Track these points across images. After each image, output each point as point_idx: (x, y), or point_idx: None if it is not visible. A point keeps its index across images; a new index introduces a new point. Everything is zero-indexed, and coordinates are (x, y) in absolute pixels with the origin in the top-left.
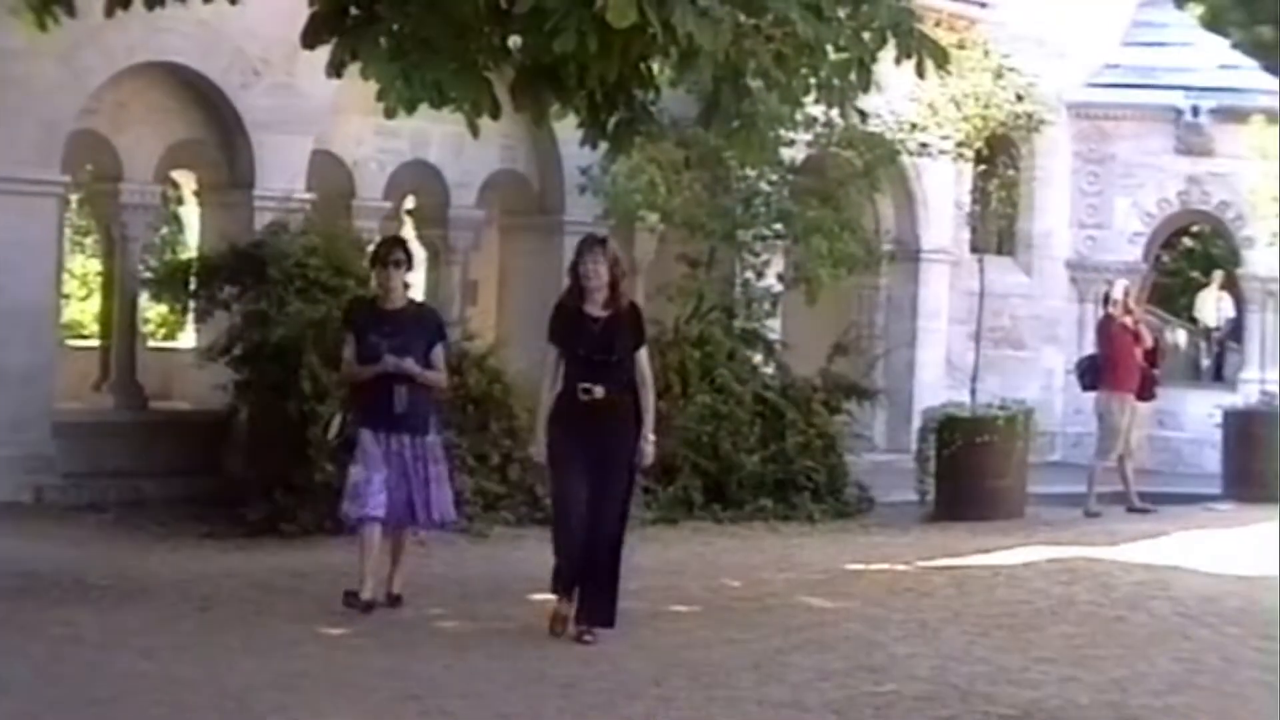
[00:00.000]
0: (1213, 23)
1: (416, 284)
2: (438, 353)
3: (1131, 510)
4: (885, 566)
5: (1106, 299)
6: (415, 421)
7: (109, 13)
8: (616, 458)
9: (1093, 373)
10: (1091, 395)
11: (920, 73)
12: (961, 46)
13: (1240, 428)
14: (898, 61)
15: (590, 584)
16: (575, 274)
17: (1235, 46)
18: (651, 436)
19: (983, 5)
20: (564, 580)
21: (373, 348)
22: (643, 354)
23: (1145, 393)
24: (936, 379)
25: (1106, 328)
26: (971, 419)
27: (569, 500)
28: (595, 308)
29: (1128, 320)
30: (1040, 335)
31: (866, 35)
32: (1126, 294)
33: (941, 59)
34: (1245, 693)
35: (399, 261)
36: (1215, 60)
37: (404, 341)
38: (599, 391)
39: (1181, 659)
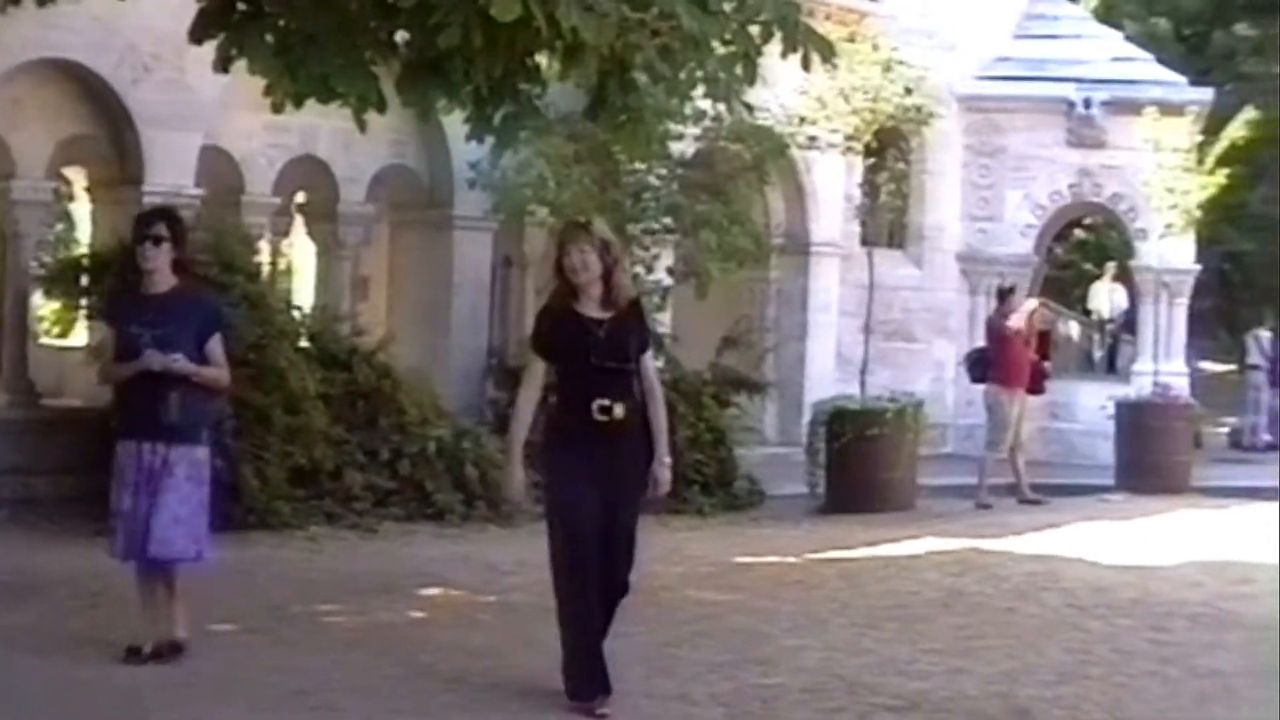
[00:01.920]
0: (1106, 15)
1: (308, 279)
2: (214, 344)
3: (1023, 502)
4: (775, 559)
5: (1000, 295)
6: (186, 431)
7: (0, 9)
8: (633, 491)
9: (982, 365)
10: (981, 387)
11: (806, 66)
12: (851, 40)
13: (1133, 419)
14: (784, 55)
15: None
16: (560, 270)
17: (1129, 39)
18: (668, 459)
19: None
20: (584, 670)
21: (132, 340)
22: (649, 359)
23: (1035, 385)
24: (827, 372)
25: (999, 323)
26: (862, 411)
27: (586, 554)
28: (593, 307)
29: (1022, 326)
30: (931, 328)
31: (753, 29)
32: (1031, 315)
33: (827, 52)
34: (1137, 684)
35: (158, 237)
36: (1108, 53)
37: (170, 332)
38: (620, 410)
39: (1072, 650)
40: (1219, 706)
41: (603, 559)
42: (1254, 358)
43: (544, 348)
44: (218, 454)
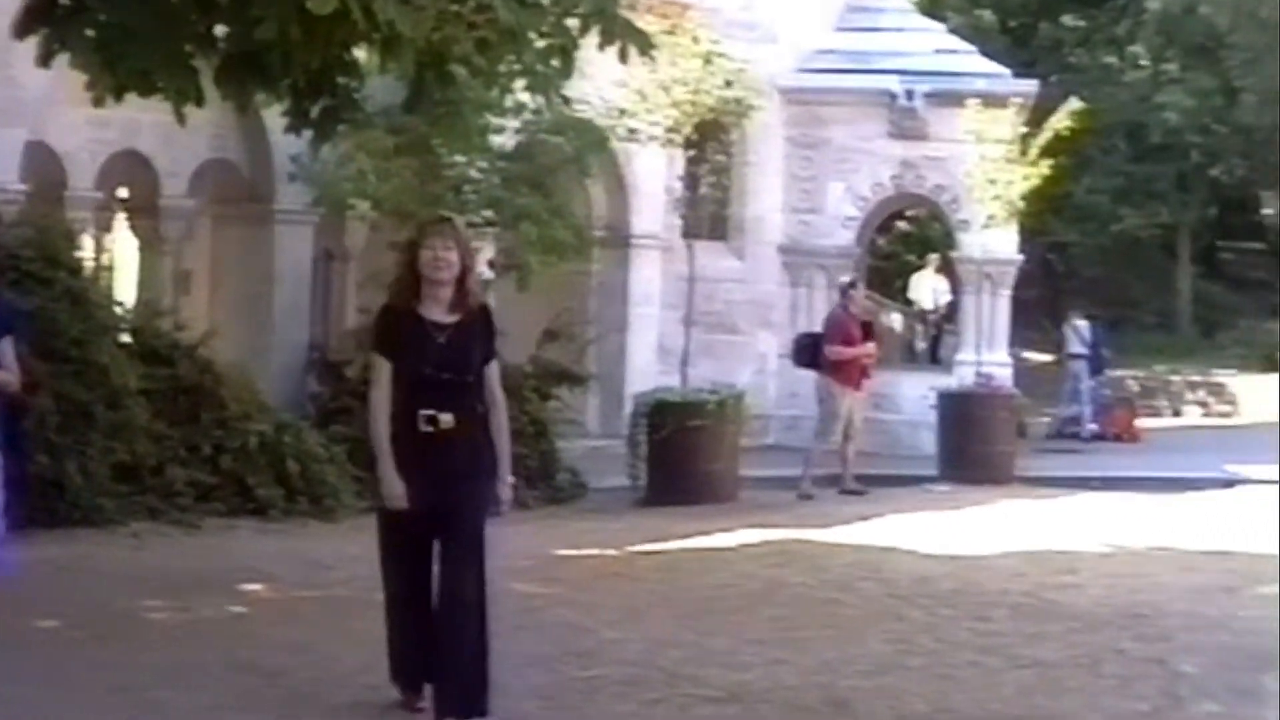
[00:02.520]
0: (931, 7)
1: (130, 274)
2: (5, 347)
3: (844, 492)
4: (595, 552)
5: (842, 289)
6: None
7: None
8: (471, 505)
9: (810, 350)
10: (805, 376)
11: (623, 59)
12: (672, 33)
13: (955, 409)
14: (601, 48)
15: (450, 668)
16: (412, 265)
17: (953, 31)
18: (510, 478)
19: None
20: (407, 672)
21: None
22: (494, 370)
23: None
24: (648, 364)
25: (840, 317)
26: (683, 403)
27: (410, 565)
28: (439, 310)
29: (858, 312)
30: (753, 320)
31: (570, 22)
32: (866, 296)
33: (645, 45)
34: (958, 674)
35: None
36: (931, 45)
37: None
38: (447, 420)
39: (893, 641)
40: (1042, 696)
41: (443, 572)
42: (1074, 347)
43: (384, 347)
44: (21, 453)
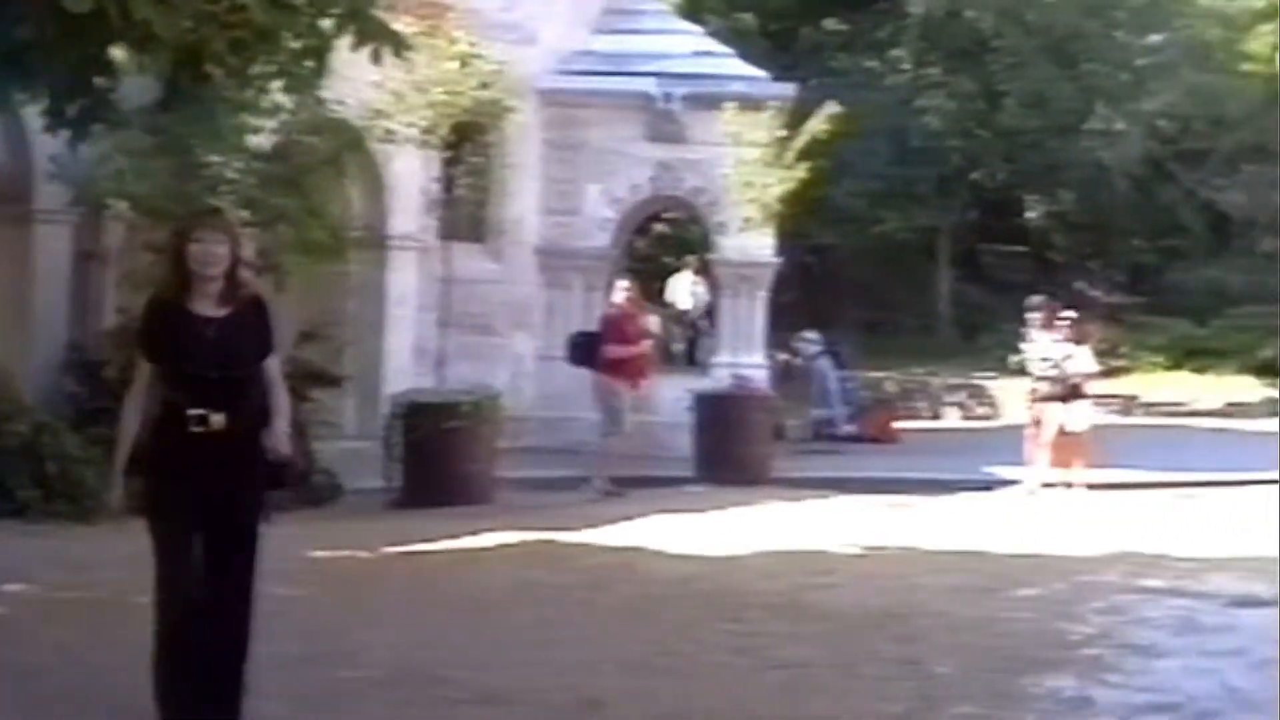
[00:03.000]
0: (691, 10)
1: None
2: None
3: (592, 493)
4: (350, 553)
5: (619, 288)
6: None
7: None
8: (242, 513)
9: (584, 349)
10: (565, 377)
11: (376, 60)
12: (430, 34)
13: (712, 411)
14: (354, 48)
15: (209, 673)
16: (179, 258)
17: (713, 34)
18: (286, 427)
19: None
20: (181, 698)
21: None
22: (274, 365)
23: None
24: (405, 365)
25: (616, 316)
26: (439, 405)
27: (184, 581)
28: (208, 305)
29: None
30: (510, 321)
31: (325, 23)
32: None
33: (398, 46)
34: (711, 675)
35: None
36: (690, 48)
37: None
38: (218, 421)
39: (647, 641)
40: (796, 697)
41: (211, 584)
42: (808, 348)
43: (146, 346)
44: None
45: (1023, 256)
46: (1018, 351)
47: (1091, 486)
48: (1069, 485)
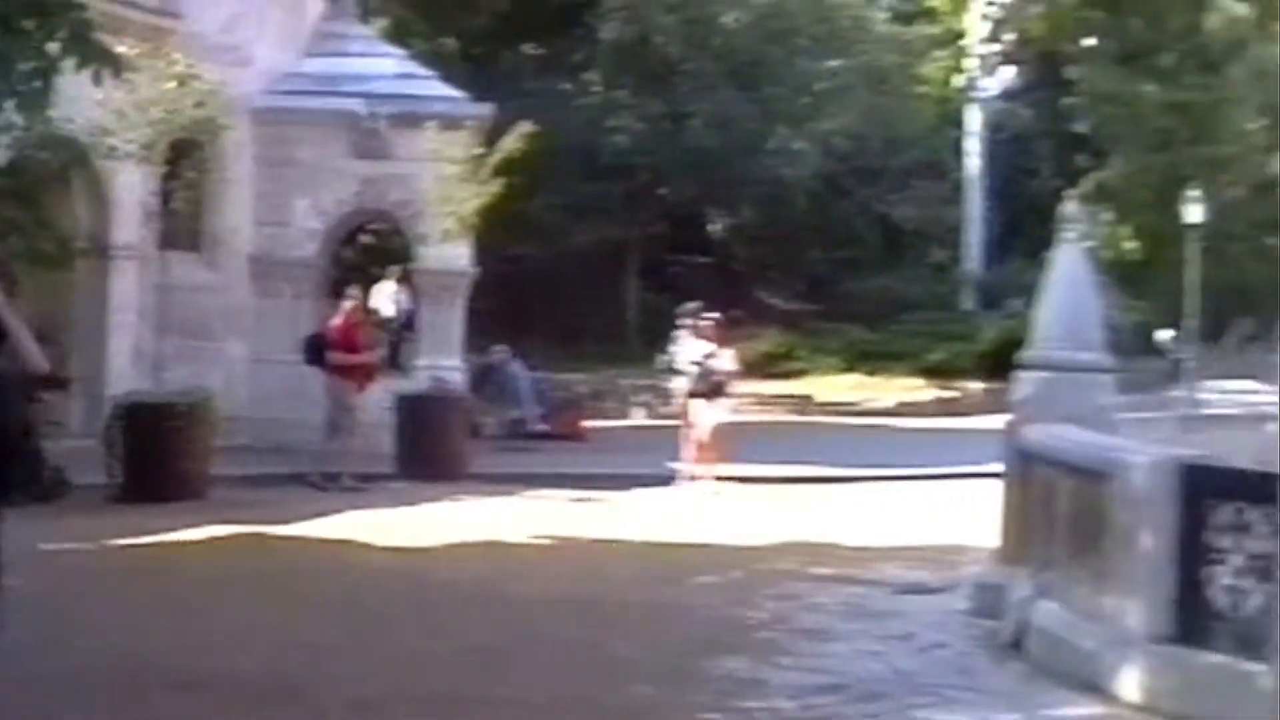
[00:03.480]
0: (395, 34)
1: None
2: None
3: (310, 484)
4: (75, 546)
5: (349, 295)
6: None
7: None
8: None
9: (313, 350)
10: (280, 377)
11: (97, 81)
12: (150, 56)
13: (413, 411)
14: (77, 70)
15: None
16: None
17: (417, 57)
18: (31, 345)
19: (175, 16)
20: None
21: None
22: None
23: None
24: (126, 368)
25: (342, 324)
26: (156, 405)
27: None
28: None
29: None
30: (226, 327)
31: (51, 46)
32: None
33: (117, 68)
34: (409, 659)
35: None
36: (395, 70)
37: None
38: None
39: (348, 628)
40: (489, 679)
41: None
42: (499, 354)
43: None
44: None
45: (707, 267)
46: (667, 353)
47: (740, 480)
48: (714, 478)
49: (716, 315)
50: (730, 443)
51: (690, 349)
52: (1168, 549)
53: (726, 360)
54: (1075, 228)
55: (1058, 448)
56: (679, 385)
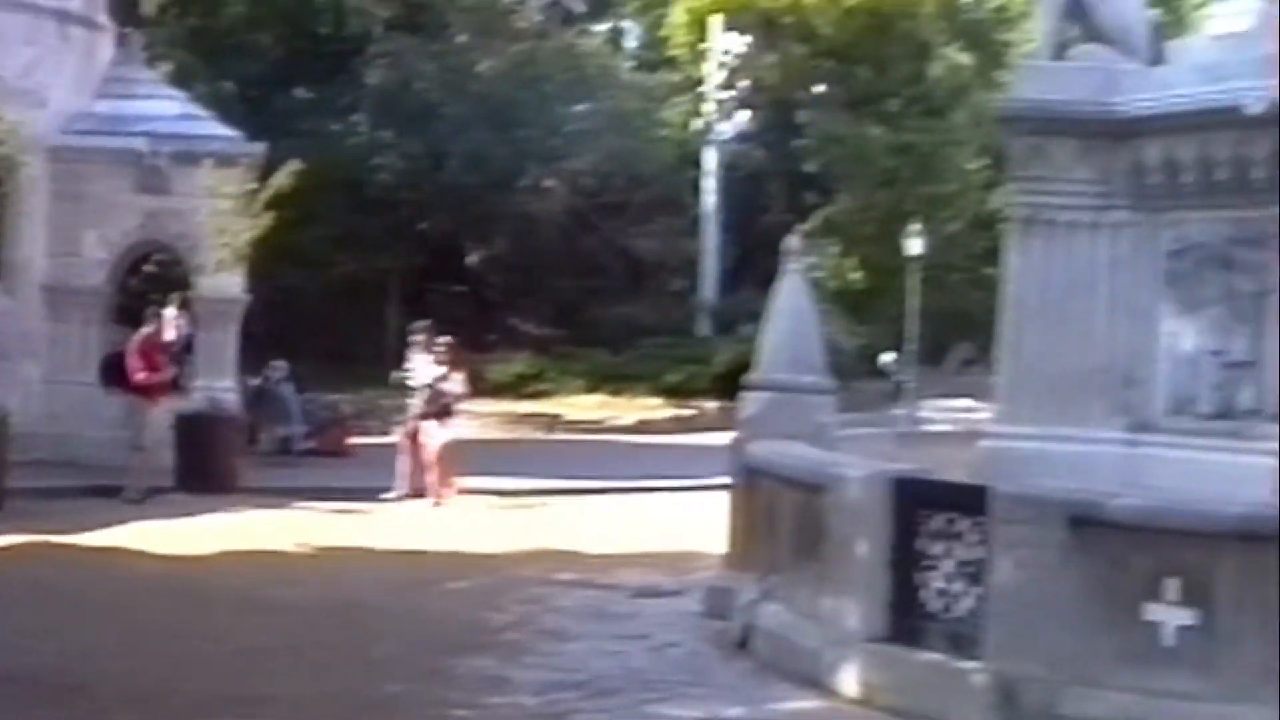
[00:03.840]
0: (178, 78)
1: None
2: None
3: (129, 500)
4: None
5: (151, 315)
6: None
7: None
8: None
9: (114, 370)
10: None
11: None
12: None
13: (189, 429)
14: None
15: None
16: None
17: (196, 99)
18: None
19: None
20: None
21: None
22: None
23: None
24: None
25: (141, 344)
26: None
27: None
28: None
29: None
30: (21, 350)
31: None
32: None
33: None
34: (183, 659)
35: None
36: (177, 111)
37: None
38: None
39: (129, 630)
40: (256, 679)
41: None
42: (274, 374)
43: None
44: None
45: (463, 295)
46: (401, 371)
47: (491, 493)
48: (446, 493)
49: (449, 339)
50: (461, 460)
51: (422, 367)
52: (882, 556)
53: (457, 383)
54: (797, 261)
55: (781, 462)
56: (412, 405)
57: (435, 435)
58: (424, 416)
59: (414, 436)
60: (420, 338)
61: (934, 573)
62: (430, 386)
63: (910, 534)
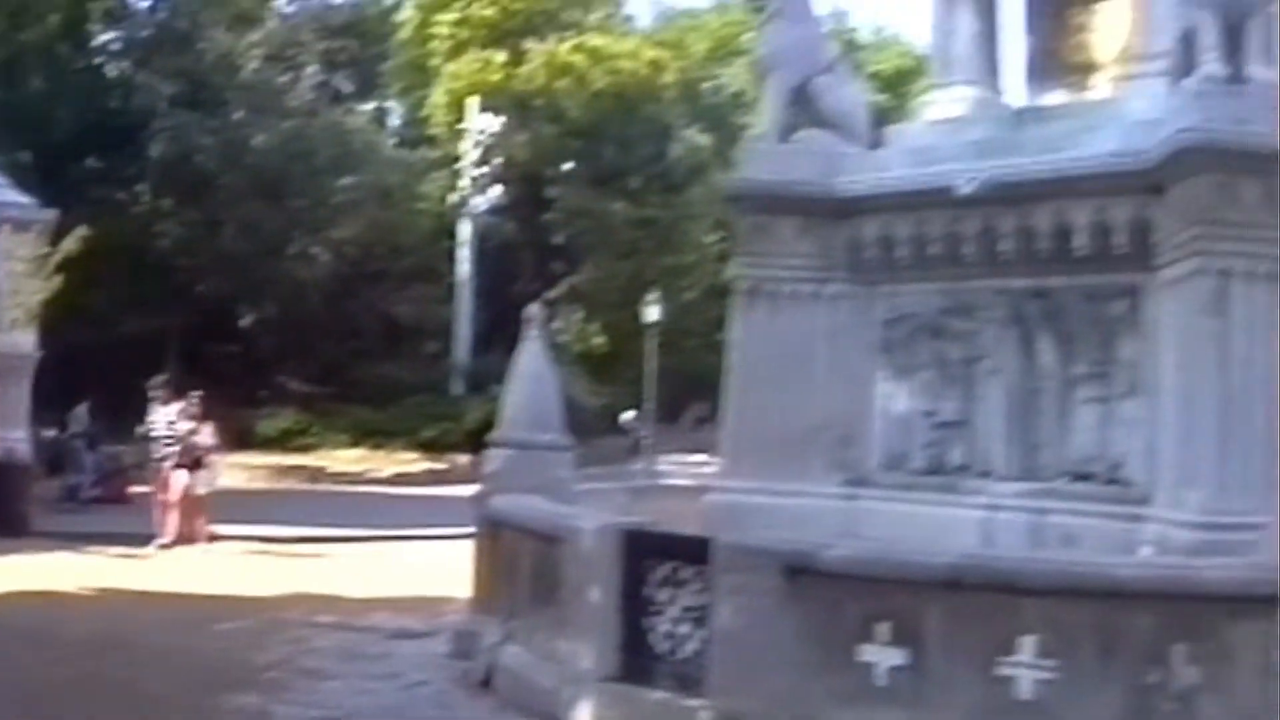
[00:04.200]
0: None
1: None
2: None
3: None
4: None
5: None
6: None
7: None
8: None
9: None
10: None
11: None
12: None
13: None
14: None
15: None
16: None
17: None
18: None
19: None
20: None
21: None
22: None
23: None
24: None
25: None
26: None
27: None
28: None
29: None
30: None
31: None
32: None
33: None
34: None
35: None
36: None
37: None
38: None
39: None
40: (35, 712)
41: None
42: (75, 428)
43: None
44: None
45: (237, 354)
46: (144, 423)
47: (260, 539)
48: (209, 539)
49: (199, 394)
50: (218, 508)
51: (162, 419)
52: (614, 601)
53: (207, 435)
54: (538, 328)
55: (520, 515)
56: (164, 456)
57: (182, 484)
58: (176, 466)
59: (166, 485)
60: (159, 392)
61: (661, 617)
62: (175, 437)
63: (639, 581)
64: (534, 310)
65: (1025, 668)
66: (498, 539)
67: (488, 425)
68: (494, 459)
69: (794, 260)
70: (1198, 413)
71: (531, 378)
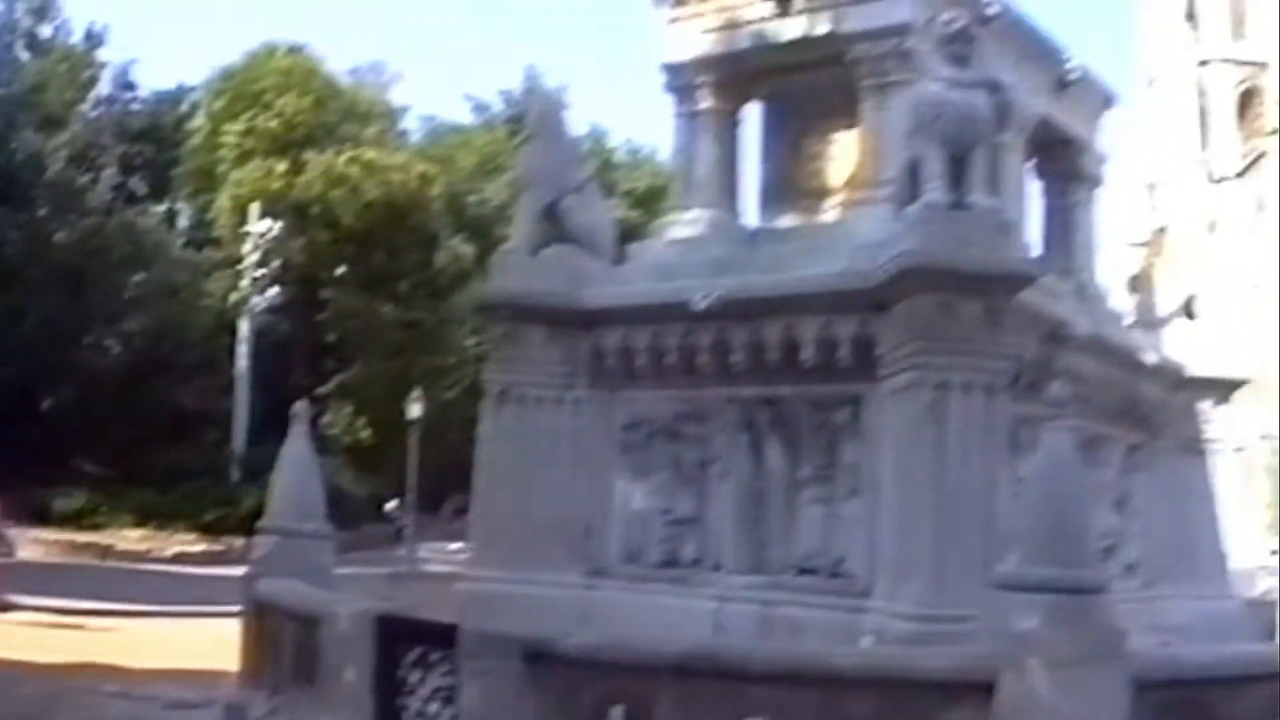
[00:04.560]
0: None
1: None
2: None
3: None
4: None
5: None
6: None
7: None
8: None
9: None
10: None
11: None
12: None
13: None
14: None
15: None
16: None
17: None
18: None
19: None
20: None
21: None
22: None
23: None
24: None
25: None
26: None
27: None
28: None
29: None
30: None
31: None
32: None
33: None
34: None
35: None
36: None
37: None
38: None
39: None
40: None
41: None
42: None
43: None
44: None
45: (36, 436)
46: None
47: (51, 610)
48: (3, 608)
49: None
50: (11, 580)
51: None
52: (368, 681)
53: None
54: (303, 423)
55: (283, 597)
56: None
57: None
58: None
59: None
60: None
61: (414, 696)
62: None
63: (392, 663)
64: (300, 406)
65: None
66: (264, 619)
67: (261, 510)
68: (262, 544)
69: (540, 366)
70: (915, 512)
71: (297, 469)
